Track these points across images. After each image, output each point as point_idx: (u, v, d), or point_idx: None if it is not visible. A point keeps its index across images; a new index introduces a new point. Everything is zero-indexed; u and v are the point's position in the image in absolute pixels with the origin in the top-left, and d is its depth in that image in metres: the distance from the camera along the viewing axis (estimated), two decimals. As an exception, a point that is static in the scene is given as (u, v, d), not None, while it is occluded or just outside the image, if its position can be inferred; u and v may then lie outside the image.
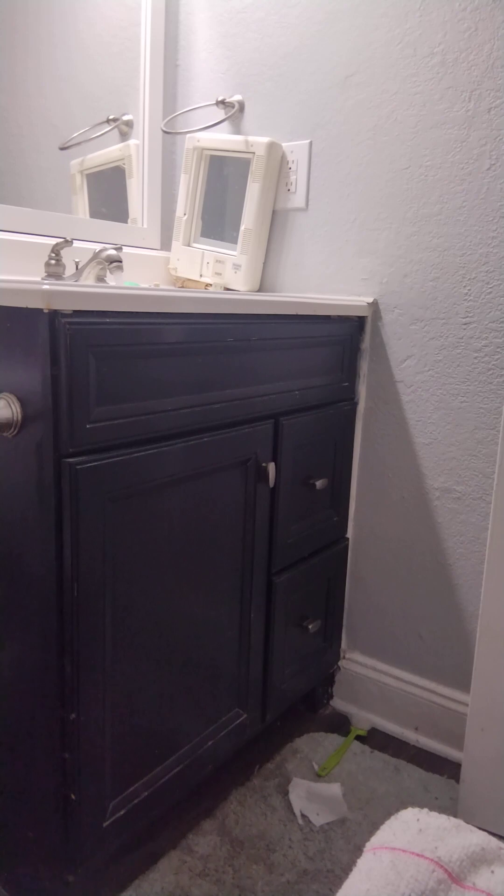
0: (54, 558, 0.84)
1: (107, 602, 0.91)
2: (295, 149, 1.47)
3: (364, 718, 1.53)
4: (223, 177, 1.57)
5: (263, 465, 1.16)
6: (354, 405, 1.45)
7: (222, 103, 1.55)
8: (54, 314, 0.78)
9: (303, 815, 1.24)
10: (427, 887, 0.44)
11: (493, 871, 0.47)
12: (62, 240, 1.20)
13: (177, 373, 0.96)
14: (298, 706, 1.57)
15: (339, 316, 1.34)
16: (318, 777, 1.35)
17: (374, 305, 1.42)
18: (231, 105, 1.55)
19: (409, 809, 0.55)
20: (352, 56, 1.38)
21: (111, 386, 0.87)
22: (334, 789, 1.30)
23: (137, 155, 1.59)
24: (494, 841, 0.51)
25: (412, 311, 1.38)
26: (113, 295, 0.85)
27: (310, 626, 1.37)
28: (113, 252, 1.20)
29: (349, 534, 1.53)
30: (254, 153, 1.47)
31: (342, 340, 1.36)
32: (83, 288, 0.81)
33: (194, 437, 1.01)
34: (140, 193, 1.61)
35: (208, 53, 1.57)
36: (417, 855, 0.47)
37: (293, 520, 1.30)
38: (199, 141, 1.56)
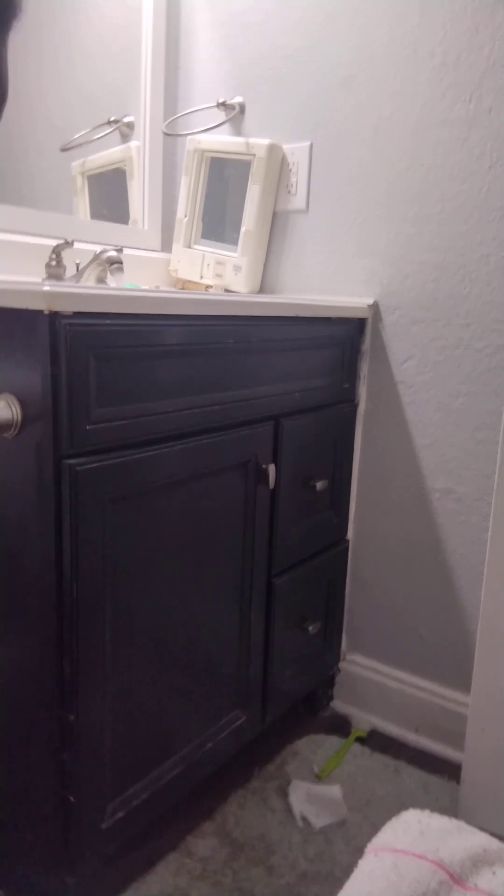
0: (54, 559, 0.84)
1: (106, 603, 0.91)
2: (295, 150, 1.48)
3: (364, 720, 1.52)
4: (224, 178, 1.57)
5: (263, 466, 1.16)
6: (355, 406, 1.45)
7: (223, 105, 1.55)
8: (55, 315, 0.78)
9: (302, 817, 1.24)
10: (429, 889, 0.44)
11: (494, 873, 0.47)
12: (63, 241, 1.20)
13: (177, 374, 0.96)
14: (298, 708, 1.57)
15: (339, 317, 1.33)
16: (318, 779, 1.34)
17: (375, 307, 1.42)
18: (232, 107, 1.55)
19: (411, 811, 0.55)
20: (352, 57, 1.38)
21: (111, 387, 0.87)
22: (334, 791, 1.30)
23: (138, 156, 1.59)
24: (496, 842, 0.51)
25: (413, 313, 1.38)
26: (113, 296, 0.85)
27: (310, 628, 1.37)
28: (113, 253, 1.20)
29: (349, 535, 1.52)
30: (254, 155, 1.47)
31: (342, 342, 1.36)
32: (84, 289, 0.81)
33: (194, 438, 1.01)
34: (141, 195, 1.62)
35: (209, 55, 1.57)
36: (419, 856, 0.47)
37: (293, 521, 1.30)
38: (199, 143, 1.56)
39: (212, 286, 1.57)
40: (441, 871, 0.46)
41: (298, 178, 1.48)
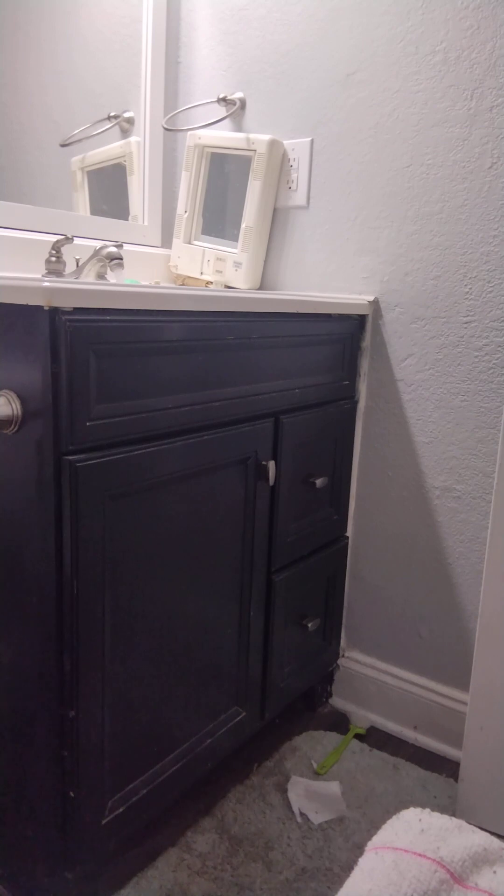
0: (54, 556, 0.84)
1: (106, 600, 0.91)
2: (296, 146, 1.47)
3: (363, 717, 1.53)
4: (224, 174, 1.57)
5: (263, 463, 1.16)
6: (355, 404, 1.45)
7: (223, 100, 1.55)
8: (55, 311, 0.78)
9: (301, 814, 1.24)
10: (429, 887, 0.44)
11: (495, 872, 0.47)
12: (63, 237, 1.19)
13: (177, 371, 0.96)
14: (297, 704, 1.57)
15: (339, 314, 1.33)
16: (317, 775, 1.35)
17: (375, 304, 1.42)
18: (232, 102, 1.54)
19: (411, 809, 0.55)
20: (353, 54, 1.37)
21: (111, 383, 0.86)
22: (333, 787, 1.30)
23: (138, 152, 1.59)
24: (496, 841, 0.51)
25: (413, 310, 1.38)
26: (113, 292, 0.84)
27: (309, 625, 1.37)
28: (114, 249, 1.20)
29: (349, 532, 1.53)
30: (255, 151, 1.47)
31: (343, 339, 1.36)
32: (84, 285, 0.80)
33: (194, 435, 1.01)
34: (141, 191, 1.61)
35: (210, 50, 1.57)
36: (420, 855, 0.47)
37: (293, 518, 1.30)
38: (200, 138, 1.55)
39: (212, 282, 1.57)
40: (441, 869, 0.46)
41: (299, 175, 1.48)
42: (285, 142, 1.48)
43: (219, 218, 1.58)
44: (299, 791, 1.28)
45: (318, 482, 1.32)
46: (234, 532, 1.14)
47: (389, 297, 1.40)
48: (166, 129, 1.62)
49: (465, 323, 1.32)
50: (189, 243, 1.60)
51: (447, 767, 1.39)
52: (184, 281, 1.63)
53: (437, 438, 1.38)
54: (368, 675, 1.54)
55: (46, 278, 0.79)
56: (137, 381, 0.90)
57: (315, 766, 1.37)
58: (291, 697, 1.40)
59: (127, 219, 1.60)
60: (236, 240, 1.53)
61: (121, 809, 0.99)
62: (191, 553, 1.05)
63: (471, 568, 1.38)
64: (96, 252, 1.21)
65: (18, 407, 0.83)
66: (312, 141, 1.45)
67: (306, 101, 1.45)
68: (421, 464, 1.41)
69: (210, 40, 1.57)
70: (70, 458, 0.82)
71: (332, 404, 1.36)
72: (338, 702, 1.59)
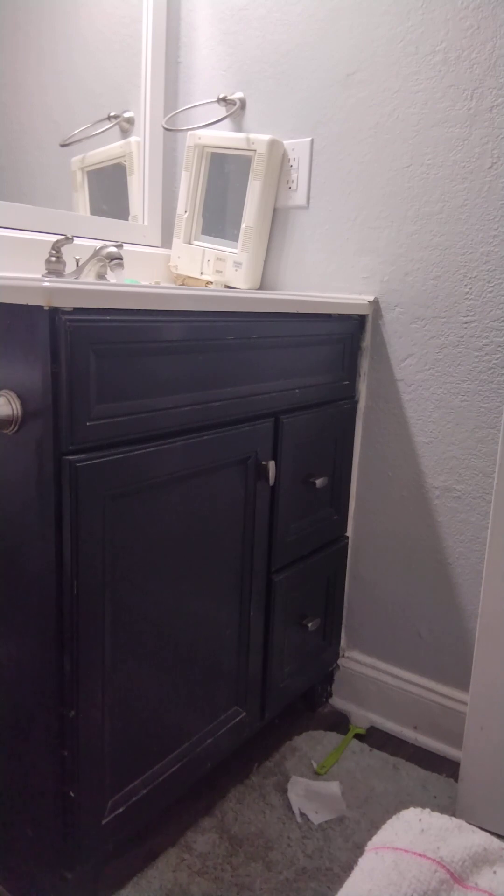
0: (54, 556, 0.84)
1: (106, 600, 0.91)
2: (296, 146, 1.47)
3: (363, 717, 1.53)
4: (224, 174, 1.57)
5: (263, 463, 1.16)
6: (355, 404, 1.45)
7: (223, 100, 1.55)
8: (55, 311, 0.78)
9: (301, 814, 1.24)
10: (429, 887, 0.44)
11: (495, 872, 0.47)
12: (63, 237, 1.19)
13: (177, 371, 0.96)
14: (297, 704, 1.57)
15: (339, 314, 1.33)
16: (317, 775, 1.35)
17: (375, 304, 1.42)
18: (232, 102, 1.54)
19: (411, 809, 0.55)
20: (353, 54, 1.37)
21: (112, 383, 0.86)
22: (333, 787, 1.30)
23: (138, 152, 1.59)
24: (497, 841, 0.51)
25: (413, 310, 1.38)
26: (113, 292, 0.84)
27: (309, 625, 1.37)
28: (114, 249, 1.20)
29: (349, 532, 1.53)
30: (255, 151, 1.47)
31: (343, 339, 1.36)
32: (84, 285, 0.80)
33: (194, 435, 1.01)
34: (141, 191, 1.61)
35: (210, 50, 1.57)
36: (420, 855, 0.47)
37: (293, 518, 1.30)
38: (200, 138, 1.55)
39: (212, 282, 1.57)
40: (441, 869, 0.46)
41: (299, 175, 1.48)
42: (285, 142, 1.48)
43: (219, 218, 1.58)
44: (299, 791, 1.28)
45: (318, 482, 1.32)
46: (234, 532, 1.14)
47: (389, 297, 1.40)
48: (166, 129, 1.62)
49: (465, 323, 1.32)
50: (189, 243, 1.60)
51: (447, 767, 1.39)
52: (184, 281, 1.63)
53: (437, 438, 1.38)
54: (368, 675, 1.54)
55: (46, 278, 0.79)
56: (137, 381, 0.90)
57: (315, 766, 1.37)
58: (291, 697, 1.40)
59: (127, 219, 1.60)
60: (236, 240, 1.53)
61: (121, 809, 0.99)
62: (191, 553, 1.05)
63: (471, 568, 1.38)
64: (96, 252, 1.21)
65: (18, 407, 0.83)
66: (312, 141, 1.45)
67: (306, 101, 1.45)
68: (421, 464, 1.41)
69: (210, 40, 1.56)
70: (70, 458, 0.82)
71: (332, 404, 1.36)
72: (338, 702, 1.59)
